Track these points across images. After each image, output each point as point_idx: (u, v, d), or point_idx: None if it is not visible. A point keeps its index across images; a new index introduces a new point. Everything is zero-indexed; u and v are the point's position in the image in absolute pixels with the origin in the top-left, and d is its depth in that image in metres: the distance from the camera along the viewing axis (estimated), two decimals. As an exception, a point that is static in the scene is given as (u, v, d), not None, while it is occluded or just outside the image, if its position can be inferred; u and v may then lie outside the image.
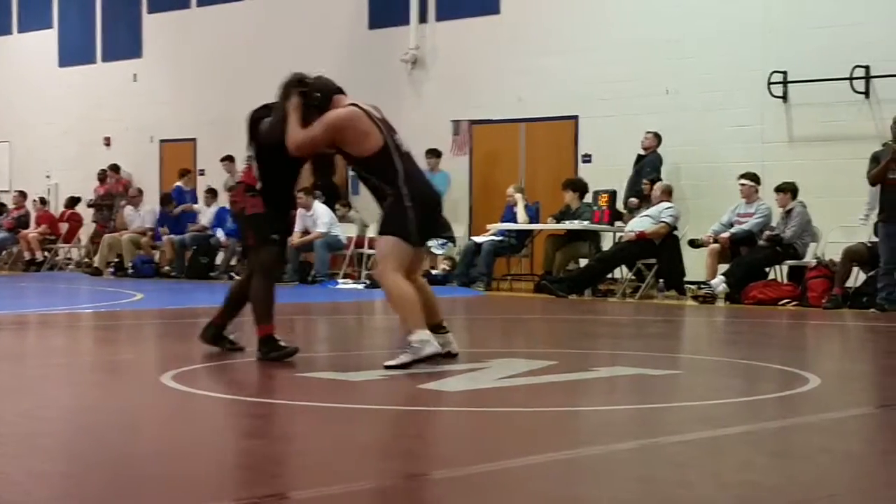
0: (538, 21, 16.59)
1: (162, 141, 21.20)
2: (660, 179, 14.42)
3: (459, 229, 16.63)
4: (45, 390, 6.08)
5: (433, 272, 15.65)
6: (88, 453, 4.45)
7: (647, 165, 14.73)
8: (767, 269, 13.25)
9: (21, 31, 23.60)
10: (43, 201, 21.48)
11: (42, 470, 4.02)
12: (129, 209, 19.76)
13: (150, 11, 21.44)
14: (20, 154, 23.23)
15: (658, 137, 14.81)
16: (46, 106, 22.67)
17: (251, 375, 6.67)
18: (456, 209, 17.17)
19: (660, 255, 13.61)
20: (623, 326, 10.76)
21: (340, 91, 6.90)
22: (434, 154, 16.69)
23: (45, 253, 20.69)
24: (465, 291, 14.58)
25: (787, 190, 13.11)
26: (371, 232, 15.74)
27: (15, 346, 8.70)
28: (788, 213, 13.10)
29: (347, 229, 16.84)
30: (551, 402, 5.73)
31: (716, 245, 13.31)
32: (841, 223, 13.34)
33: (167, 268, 18.42)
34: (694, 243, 13.67)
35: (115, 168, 20.87)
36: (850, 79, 13.83)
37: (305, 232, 16.47)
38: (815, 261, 12.77)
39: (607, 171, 15.47)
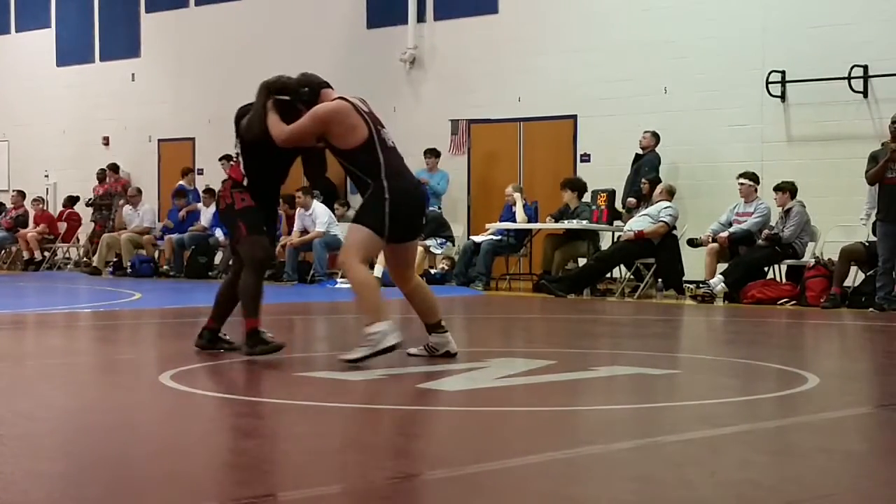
0: (537, 20, 16.59)
1: (160, 140, 21.20)
2: (659, 179, 14.43)
3: (458, 229, 16.64)
4: (44, 390, 6.07)
5: (432, 271, 15.66)
6: (87, 453, 4.45)
7: (645, 165, 14.73)
8: (766, 269, 13.26)
9: (19, 30, 23.59)
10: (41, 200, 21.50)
11: (40, 470, 4.02)
12: (127, 209, 19.77)
13: (149, 11, 21.45)
14: (18, 153, 23.22)
15: (656, 137, 14.81)
16: (44, 105, 22.67)
17: (250, 375, 6.66)
18: (455, 208, 17.19)
19: (658, 254, 13.62)
20: (622, 326, 10.75)
21: (327, 85, 6.93)
22: (433, 153, 16.70)
23: (44, 252, 20.69)
24: (464, 291, 14.58)
25: (786, 189, 13.12)
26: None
27: (13, 346, 8.69)
28: (787, 212, 13.10)
29: (346, 229, 16.82)
30: (550, 401, 5.72)
31: (714, 244, 13.32)
32: (839, 222, 13.35)
33: (166, 267, 18.43)
34: (693, 243, 13.67)
35: (114, 168, 20.86)
36: (849, 78, 13.84)
37: (304, 231, 16.47)
38: (813, 260, 12.78)
39: (606, 171, 15.49)
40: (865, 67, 13.84)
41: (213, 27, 20.31)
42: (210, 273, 17.56)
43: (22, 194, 21.71)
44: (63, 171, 22.41)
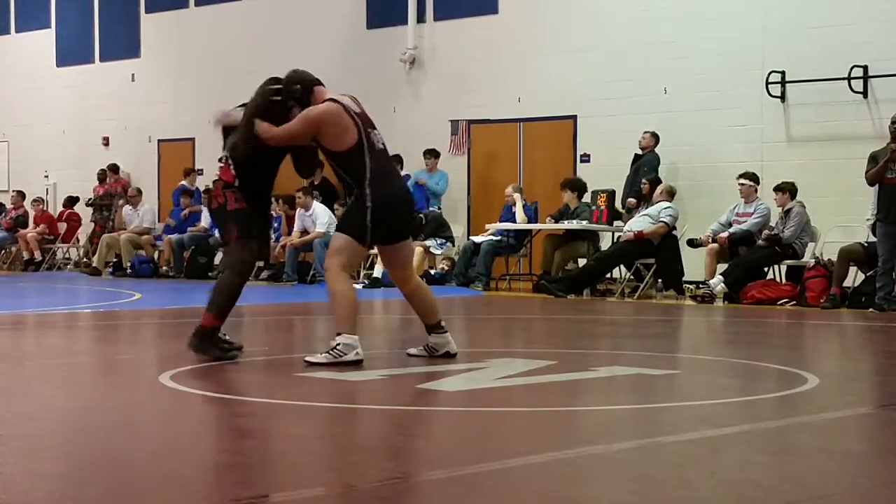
0: (536, 21, 16.59)
1: (160, 141, 21.20)
2: (659, 179, 14.42)
3: (458, 229, 16.64)
4: (44, 390, 6.07)
5: (432, 272, 15.65)
6: (87, 453, 4.45)
7: (645, 165, 14.73)
8: (766, 269, 13.26)
9: (19, 30, 23.59)
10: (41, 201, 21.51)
11: (40, 470, 4.02)
12: (127, 209, 19.78)
13: (149, 11, 21.44)
14: (18, 154, 23.21)
15: (655, 137, 14.81)
16: (44, 105, 22.67)
17: (249, 375, 6.67)
18: (454, 209, 17.18)
19: (658, 254, 13.61)
20: (622, 326, 10.75)
21: (319, 82, 6.93)
22: (432, 154, 16.69)
23: (44, 253, 20.69)
24: (464, 291, 14.58)
25: (786, 190, 13.11)
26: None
27: (13, 346, 8.69)
28: (787, 212, 13.10)
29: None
30: (550, 401, 5.73)
31: (714, 245, 13.31)
32: (839, 223, 13.34)
33: (165, 268, 18.43)
34: (692, 243, 13.67)
35: (113, 168, 20.86)
36: (848, 79, 13.84)
37: (304, 232, 16.47)
38: (813, 260, 12.77)
39: (606, 171, 15.48)
40: (865, 68, 13.84)
41: (213, 27, 20.31)
42: (210, 273, 17.53)
43: (22, 195, 21.70)
44: (63, 172, 22.41)
